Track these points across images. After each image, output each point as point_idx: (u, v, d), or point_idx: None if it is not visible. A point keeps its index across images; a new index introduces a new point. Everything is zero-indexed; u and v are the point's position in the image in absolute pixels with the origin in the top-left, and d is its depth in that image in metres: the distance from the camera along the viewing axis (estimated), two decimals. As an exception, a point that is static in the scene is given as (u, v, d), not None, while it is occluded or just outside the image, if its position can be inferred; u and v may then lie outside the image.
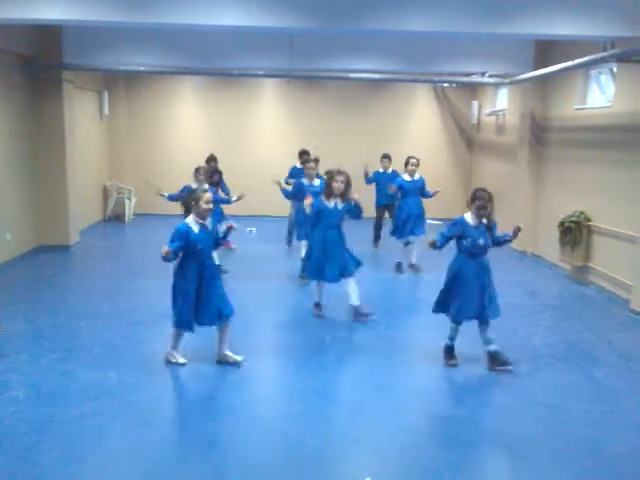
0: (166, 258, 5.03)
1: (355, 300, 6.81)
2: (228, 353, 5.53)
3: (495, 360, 5.55)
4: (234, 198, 8.47)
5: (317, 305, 7.08)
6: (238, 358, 5.53)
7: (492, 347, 5.57)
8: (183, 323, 5.32)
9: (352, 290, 6.79)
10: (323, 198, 6.72)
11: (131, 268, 9.24)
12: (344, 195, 6.65)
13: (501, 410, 4.92)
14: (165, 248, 4.99)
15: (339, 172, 6.63)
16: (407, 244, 9.23)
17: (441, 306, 5.66)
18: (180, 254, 5.21)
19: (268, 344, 6.23)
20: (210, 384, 5.26)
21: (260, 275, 8.89)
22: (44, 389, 4.95)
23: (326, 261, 6.69)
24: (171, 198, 8.32)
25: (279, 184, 9.00)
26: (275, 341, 6.37)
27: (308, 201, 6.78)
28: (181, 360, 5.51)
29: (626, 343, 6.42)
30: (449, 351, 5.72)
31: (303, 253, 8.81)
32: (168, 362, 5.52)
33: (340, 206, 6.70)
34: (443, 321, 5.81)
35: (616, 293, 8.05)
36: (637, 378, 5.51)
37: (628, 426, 4.61)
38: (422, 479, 3.91)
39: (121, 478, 3.82)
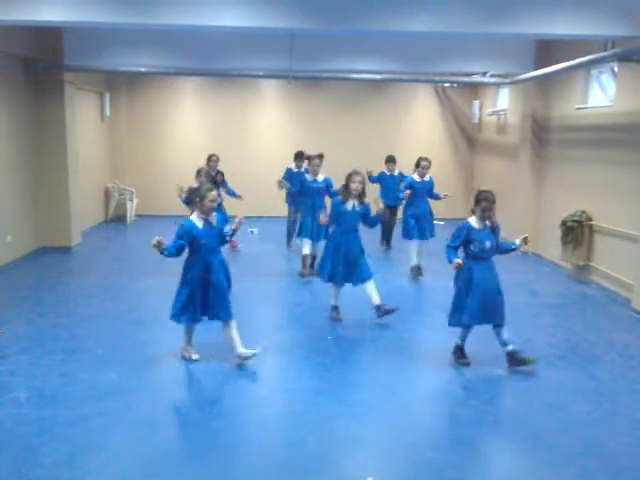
0: (161, 251, 5.07)
1: (376, 299, 6.73)
2: (242, 351, 5.49)
3: (514, 359, 5.53)
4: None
5: (335, 308, 6.95)
6: (254, 351, 5.52)
7: (510, 347, 5.54)
8: (188, 317, 5.37)
9: (370, 291, 6.72)
10: (341, 200, 6.59)
11: (133, 269, 9.24)
12: (361, 196, 6.58)
13: (503, 409, 4.92)
14: (156, 238, 5.00)
15: (356, 172, 6.54)
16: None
17: (457, 318, 5.55)
18: (186, 250, 5.31)
19: (269, 343, 6.21)
20: (211, 384, 5.26)
21: (262, 274, 8.89)
22: (46, 391, 4.95)
23: (341, 265, 6.61)
24: (185, 201, 8.33)
25: (284, 184, 9.02)
26: (276, 340, 6.35)
27: (322, 220, 6.68)
28: (194, 356, 5.58)
29: (627, 342, 6.41)
30: (459, 350, 5.68)
31: (304, 250, 8.82)
32: (183, 357, 5.59)
33: (358, 208, 6.59)
34: (445, 321, 5.81)
35: (618, 292, 8.04)
36: (638, 377, 5.50)
37: (629, 425, 4.61)
38: (424, 478, 3.91)
39: (124, 479, 3.82)
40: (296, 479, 3.85)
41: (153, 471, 3.88)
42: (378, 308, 6.77)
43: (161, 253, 5.12)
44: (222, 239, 5.52)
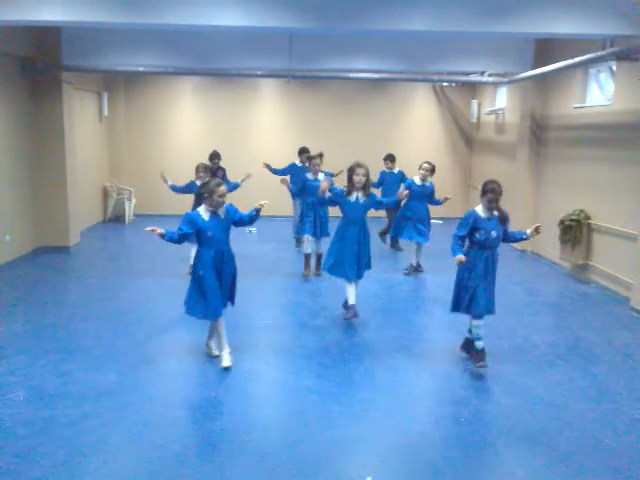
0: (162, 235, 5.12)
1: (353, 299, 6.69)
2: (211, 345, 5.68)
3: (473, 352, 5.58)
4: (240, 179, 8.83)
5: (350, 307, 6.72)
6: (215, 353, 5.65)
7: (482, 344, 5.54)
8: (208, 312, 5.36)
9: (354, 288, 6.69)
10: (344, 192, 6.53)
11: (131, 269, 9.22)
12: (365, 188, 6.50)
13: (502, 409, 4.91)
14: (150, 228, 5.09)
15: (359, 165, 6.45)
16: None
17: (459, 305, 5.54)
18: (193, 241, 5.39)
19: (268, 343, 6.21)
20: (210, 384, 5.24)
21: (262, 274, 8.88)
22: (44, 390, 4.95)
23: (346, 258, 6.54)
24: (173, 189, 8.48)
25: (268, 167, 9.87)
26: (276, 340, 6.34)
27: (324, 185, 6.49)
28: (214, 353, 5.66)
29: (627, 341, 6.41)
30: (481, 353, 5.54)
31: (306, 249, 8.83)
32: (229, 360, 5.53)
33: (362, 200, 6.52)
34: (445, 320, 5.81)
35: (616, 291, 8.05)
36: (638, 376, 5.51)
37: (628, 424, 4.61)
38: (424, 478, 3.90)
39: (121, 479, 3.82)
40: (296, 479, 3.84)
41: (152, 471, 3.87)
42: (353, 307, 6.68)
43: (162, 237, 5.16)
44: (250, 221, 5.58)
